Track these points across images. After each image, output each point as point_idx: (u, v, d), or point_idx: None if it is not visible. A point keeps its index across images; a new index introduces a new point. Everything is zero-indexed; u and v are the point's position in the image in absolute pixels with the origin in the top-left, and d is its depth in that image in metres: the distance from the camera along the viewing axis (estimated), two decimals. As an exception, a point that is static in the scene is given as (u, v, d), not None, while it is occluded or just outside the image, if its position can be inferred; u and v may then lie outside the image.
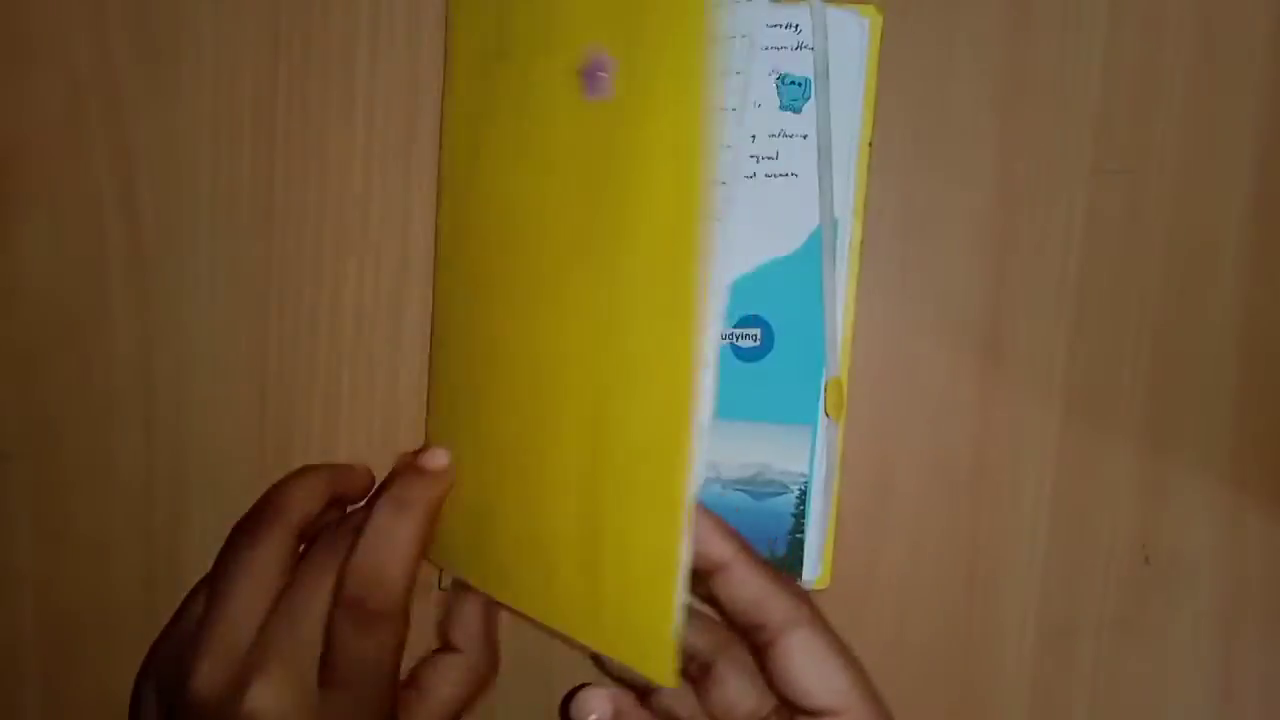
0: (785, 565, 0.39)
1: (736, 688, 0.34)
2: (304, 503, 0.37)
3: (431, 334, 0.41)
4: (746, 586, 0.32)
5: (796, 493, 0.39)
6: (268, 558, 0.36)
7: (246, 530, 0.37)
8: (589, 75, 0.32)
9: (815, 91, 0.37)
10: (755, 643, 0.32)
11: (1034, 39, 0.39)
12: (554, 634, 0.35)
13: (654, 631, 0.31)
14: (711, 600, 0.33)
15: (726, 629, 0.34)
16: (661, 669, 0.30)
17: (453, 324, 0.40)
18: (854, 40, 0.37)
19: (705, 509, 0.33)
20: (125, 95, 0.42)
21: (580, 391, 0.33)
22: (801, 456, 0.39)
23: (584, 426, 0.33)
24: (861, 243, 0.39)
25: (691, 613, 0.33)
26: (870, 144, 0.38)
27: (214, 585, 0.36)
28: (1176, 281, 0.40)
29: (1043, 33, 0.39)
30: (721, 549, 0.32)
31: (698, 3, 0.29)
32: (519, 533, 0.36)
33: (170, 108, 0.42)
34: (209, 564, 0.39)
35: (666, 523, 0.30)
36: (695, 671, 0.35)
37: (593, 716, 0.34)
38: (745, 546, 0.32)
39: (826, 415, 0.39)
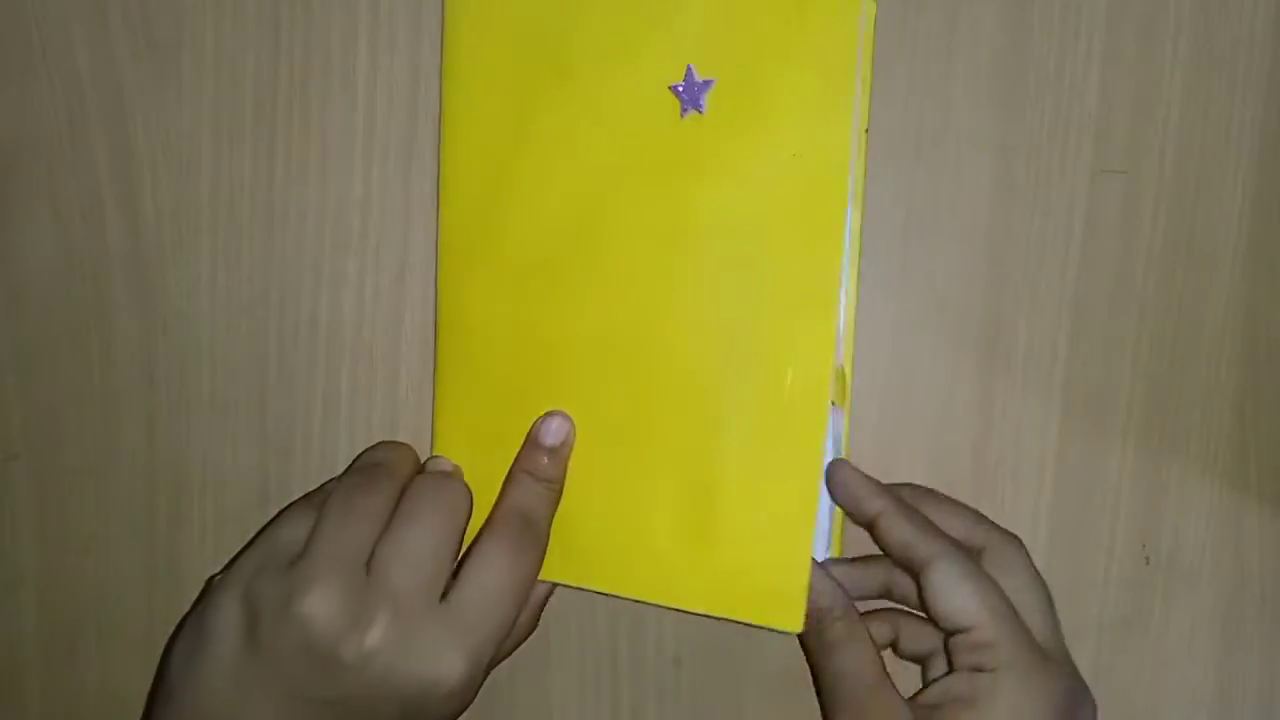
0: None
1: (916, 629, 0.38)
2: (409, 468, 0.39)
3: (438, 338, 0.41)
4: (895, 533, 0.37)
5: None
6: (384, 505, 0.36)
7: (367, 477, 0.38)
8: (686, 93, 0.36)
9: None
10: (913, 578, 0.37)
11: (1034, 39, 0.39)
12: (648, 606, 0.39)
13: (784, 584, 0.36)
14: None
15: (931, 543, 0.38)
16: (791, 617, 0.36)
17: (474, 323, 0.40)
18: None
19: (859, 471, 0.38)
20: (125, 95, 0.42)
21: (693, 374, 0.37)
22: None
23: (698, 409, 0.37)
24: (861, 229, 0.38)
25: (877, 558, 0.39)
26: (866, 130, 0.38)
27: (333, 519, 0.36)
28: (1176, 281, 0.40)
29: (1042, 32, 0.39)
30: (874, 505, 0.37)
31: (848, 30, 0.35)
32: (601, 516, 0.39)
33: (171, 108, 0.42)
34: (209, 563, 0.39)
35: (805, 486, 0.37)
36: (912, 568, 0.37)
37: (825, 602, 0.37)
38: (893, 501, 0.37)
39: (832, 402, 0.39)
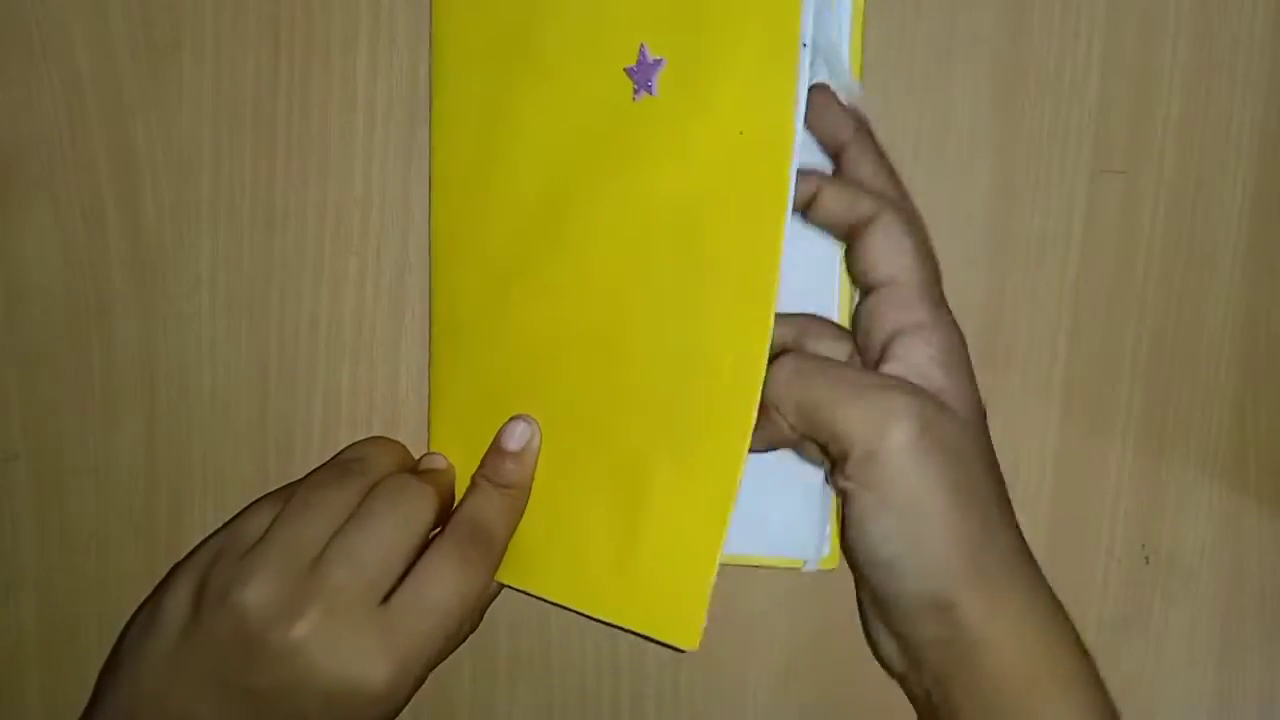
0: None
1: (825, 346, 0.36)
2: (386, 465, 0.39)
3: (432, 334, 0.41)
4: (860, 167, 0.35)
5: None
6: (348, 500, 0.37)
7: (336, 473, 0.38)
8: (639, 74, 0.35)
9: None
10: (851, 230, 0.35)
11: (1034, 39, 0.39)
12: (582, 616, 0.37)
13: (686, 598, 0.34)
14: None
15: (800, 315, 0.37)
16: (689, 634, 0.34)
17: (464, 320, 0.40)
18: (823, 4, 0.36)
19: (839, 100, 0.35)
20: (125, 95, 0.42)
21: (642, 371, 0.36)
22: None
23: (644, 407, 0.35)
24: None
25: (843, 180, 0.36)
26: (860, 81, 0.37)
27: (293, 513, 0.36)
28: (1176, 281, 0.40)
29: (1042, 33, 0.39)
30: (847, 133, 0.35)
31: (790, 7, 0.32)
32: (545, 518, 0.38)
33: (171, 108, 0.42)
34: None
35: (719, 498, 0.34)
36: (853, 228, 0.36)
37: None
38: (869, 137, 0.36)
39: None
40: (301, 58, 0.41)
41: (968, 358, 0.34)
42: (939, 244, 0.40)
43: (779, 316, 0.34)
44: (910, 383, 0.33)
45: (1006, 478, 0.40)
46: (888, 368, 0.33)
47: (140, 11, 0.42)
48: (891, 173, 0.36)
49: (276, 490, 0.40)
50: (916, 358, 0.33)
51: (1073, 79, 0.39)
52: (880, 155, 0.36)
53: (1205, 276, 0.40)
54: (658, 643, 0.35)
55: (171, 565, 0.44)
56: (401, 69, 0.41)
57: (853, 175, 0.35)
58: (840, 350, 0.36)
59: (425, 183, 0.41)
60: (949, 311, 0.35)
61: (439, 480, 0.39)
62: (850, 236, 0.35)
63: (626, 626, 0.36)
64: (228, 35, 0.41)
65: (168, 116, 0.42)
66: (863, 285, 0.35)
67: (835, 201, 0.35)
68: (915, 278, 0.34)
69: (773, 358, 0.33)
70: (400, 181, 0.41)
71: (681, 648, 0.34)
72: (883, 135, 0.38)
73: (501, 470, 0.38)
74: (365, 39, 0.41)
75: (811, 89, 0.34)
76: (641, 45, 0.35)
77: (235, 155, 0.42)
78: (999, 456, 0.40)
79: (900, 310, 0.34)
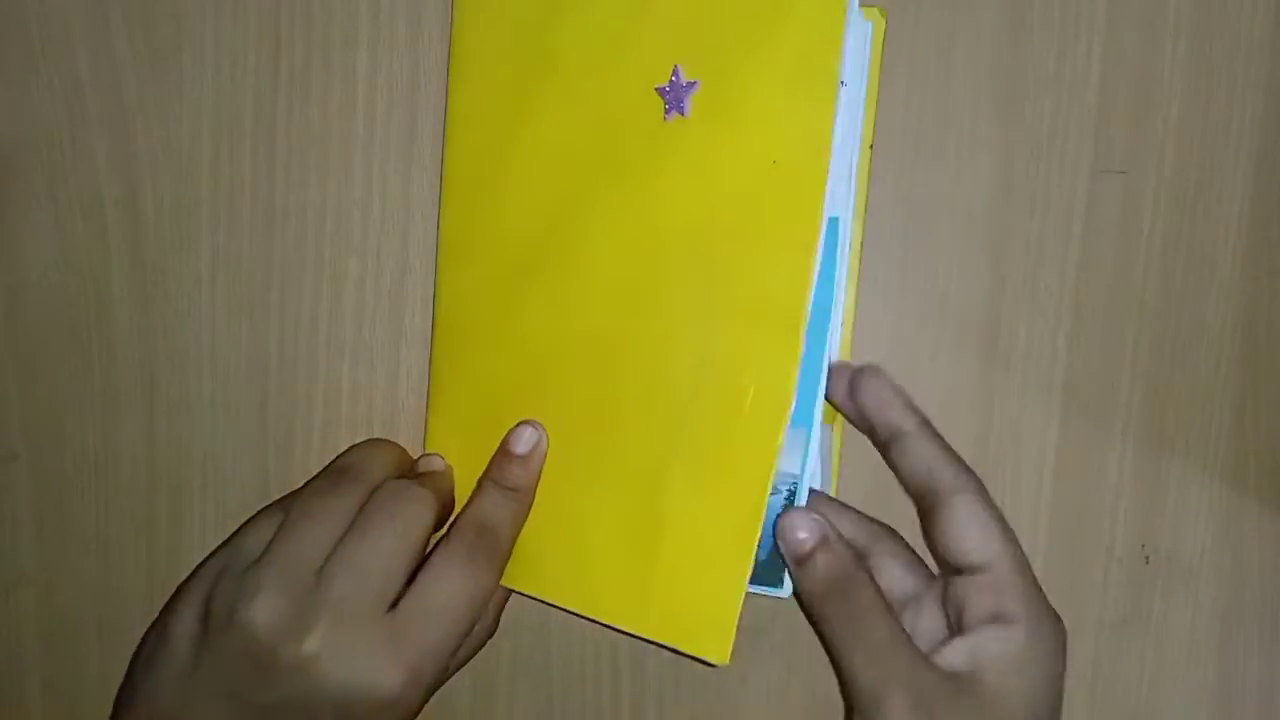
0: (765, 571, 0.37)
1: (892, 573, 0.37)
2: (382, 469, 0.39)
3: (434, 334, 0.41)
4: (922, 454, 0.36)
5: (785, 494, 0.37)
6: (347, 508, 0.37)
7: (332, 481, 0.38)
8: (671, 94, 0.35)
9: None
10: (924, 507, 0.36)
11: (1034, 39, 0.39)
12: (591, 621, 0.37)
13: (716, 614, 0.34)
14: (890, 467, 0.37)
15: (877, 523, 0.38)
16: (720, 649, 0.34)
17: (468, 321, 0.40)
18: (857, 42, 0.36)
19: (890, 380, 0.36)
20: (126, 95, 0.42)
21: (659, 385, 0.36)
22: (794, 458, 0.38)
23: (658, 420, 0.36)
24: (862, 245, 0.39)
25: (845, 507, 0.38)
26: (871, 146, 0.38)
27: (292, 525, 0.36)
28: (1176, 281, 0.40)
29: (1042, 33, 0.39)
30: (905, 419, 0.36)
31: (832, 35, 0.33)
32: (553, 524, 0.38)
33: (171, 108, 0.42)
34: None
35: (747, 515, 0.34)
36: (932, 495, 0.36)
37: (802, 534, 0.35)
38: (926, 420, 0.36)
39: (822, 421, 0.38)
40: (301, 58, 0.41)
41: (1056, 656, 0.35)
42: (939, 244, 0.40)
43: (860, 514, 0.36)
44: (927, 669, 0.33)
45: (1006, 477, 0.41)
46: (958, 642, 0.34)
47: (140, 11, 0.42)
48: (959, 458, 0.36)
49: (274, 502, 0.40)
50: (993, 650, 0.34)
51: (1073, 79, 0.39)
52: (942, 440, 0.36)
53: (1205, 276, 0.40)
54: (686, 655, 0.35)
55: (171, 565, 0.44)
56: (401, 69, 0.41)
57: (917, 455, 0.36)
58: (906, 583, 0.37)
59: (425, 183, 0.41)
60: (1041, 596, 0.35)
61: (437, 482, 0.39)
62: (927, 504, 0.36)
63: (654, 639, 0.36)
64: (228, 35, 0.41)
65: (168, 116, 0.42)
66: (950, 564, 0.35)
67: (917, 454, 0.36)
68: (1007, 564, 0.34)
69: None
70: (400, 181, 0.41)
71: (712, 662, 0.35)
72: (883, 135, 0.38)
73: (508, 473, 0.38)
74: (365, 39, 0.41)
75: (863, 369, 0.37)
76: (676, 66, 0.35)
77: (235, 155, 0.42)
78: (999, 456, 0.40)
79: (992, 598, 0.34)
